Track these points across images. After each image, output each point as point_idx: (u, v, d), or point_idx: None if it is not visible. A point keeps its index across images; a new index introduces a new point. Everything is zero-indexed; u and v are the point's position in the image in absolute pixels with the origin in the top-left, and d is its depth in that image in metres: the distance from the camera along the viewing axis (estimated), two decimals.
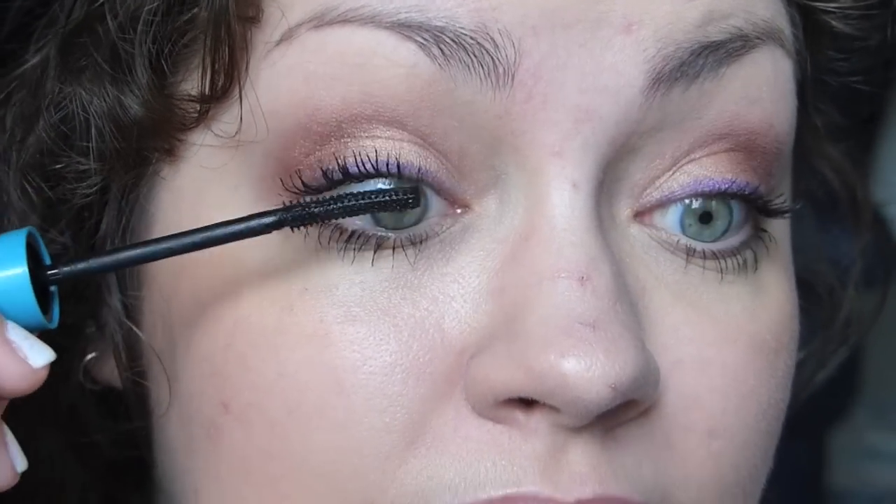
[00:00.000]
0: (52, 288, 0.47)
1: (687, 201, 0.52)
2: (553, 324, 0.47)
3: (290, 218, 0.47)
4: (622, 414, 0.49)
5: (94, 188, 0.54)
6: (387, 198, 0.47)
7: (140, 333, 0.54)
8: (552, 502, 0.47)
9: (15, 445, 0.45)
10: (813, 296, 0.68)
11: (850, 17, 0.56)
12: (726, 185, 0.52)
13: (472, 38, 0.48)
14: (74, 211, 0.55)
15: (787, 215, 0.55)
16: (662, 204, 0.52)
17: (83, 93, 0.53)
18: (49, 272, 0.47)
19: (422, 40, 0.48)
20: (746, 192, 0.52)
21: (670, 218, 0.52)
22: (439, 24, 0.48)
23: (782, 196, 0.55)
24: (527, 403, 0.48)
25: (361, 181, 0.49)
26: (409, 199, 0.47)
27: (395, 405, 0.48)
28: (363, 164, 0.48)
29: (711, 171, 0.52)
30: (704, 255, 0.52)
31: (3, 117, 0.56)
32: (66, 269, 0.47)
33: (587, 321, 0.47)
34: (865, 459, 1.63)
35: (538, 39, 0.48)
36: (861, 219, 0.69)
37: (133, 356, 0.55)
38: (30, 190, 0.55)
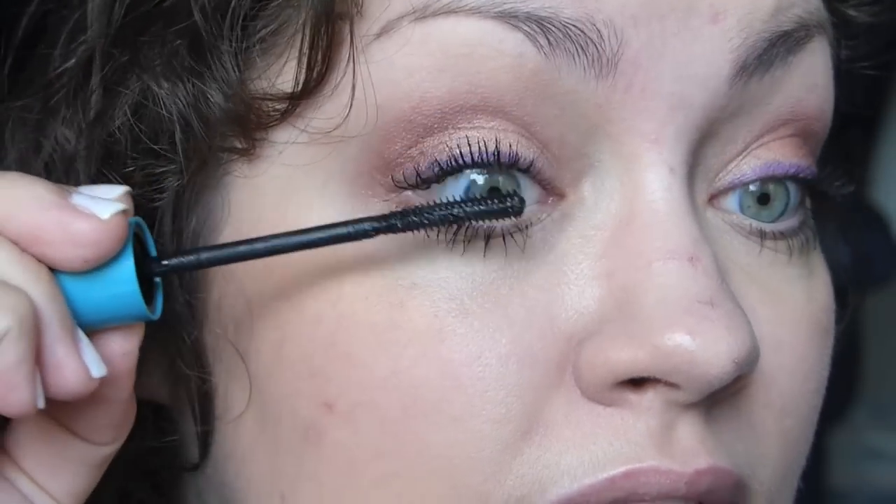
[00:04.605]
0: (157, 280, 0.47)
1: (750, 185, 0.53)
2: (672, 303, 0.48)
3: (399, 224, 0.48)
4: (728, 389, 0.50)
5: (170, 189, 0.52)
6: (493, 206, 0.48)
7: (217, 330, 0.53)
8: (672, 474, 0.48)
9: (90, 350, 0.44)
10: None
11: (863, 4, 0.58)
12: (794, 170, 0.54)
13: (577, 28, 0.48)
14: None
15: (841, 197, 0.57)
16: (734, 187, 0.53)
17: (156, 89, 0.51)
18: (154, 265, 0.47)
19: (529, 30, 0.48)
20: (809, 177, 0.54)
21: (730, 201, 0.54)
22: (545, 14, 0.48)
23: (835, 178, 0.57)
24: (636, 384, 0.49)
25: (459, 172, 0.49)
26: (512, 206, 0.48)
27: (511, 395, 0.49)
28: (461, 157, 0.49)
29: (779, 154, 0.53)
30: (775, 237, 0.54)
31: (41, 123, 0.55)
32: (169, 262, 0.47)
33: (704, 299, 0.48)
34: (865, 459, 1.63)
35: (637, 29, 0.49)
36: (860, 219, 0.70)
37: (202, 361, 0.53)
38: None
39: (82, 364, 0.43)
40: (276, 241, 0.48)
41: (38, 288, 0.43)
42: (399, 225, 0.48)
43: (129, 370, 0.46)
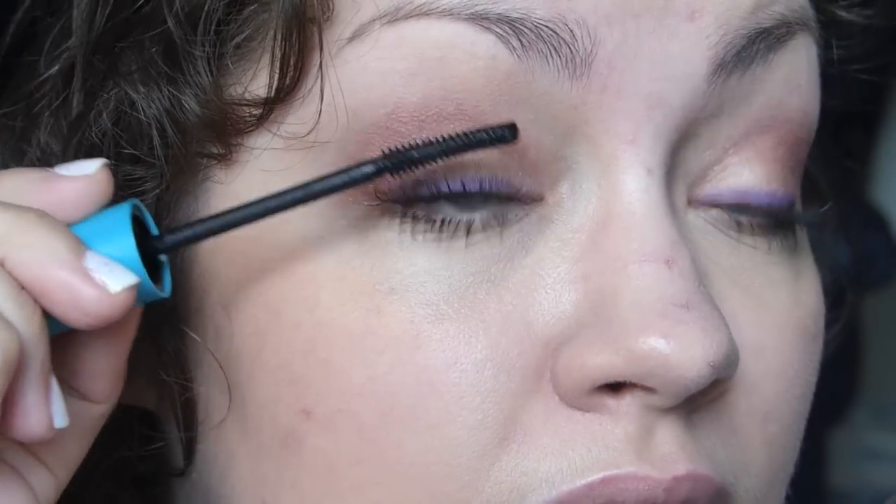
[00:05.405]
0: (163, 258, 0.47)
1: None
2: (647, 306, 0.48)
3: (390, 164, 0.47)
4: (707, 393, 0.49)
5: (150, 195, 0.52)
6: (484, 135, 0.48)
7: (196, 338, 0.53)
8: (650, 480, 0.48)
9: (59, 400, 0.44)
10: None
11: (853, 5, 0.58)
12: (769, 200, 0.53)
13: (549, 28, 0.48)
14: None
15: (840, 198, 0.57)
16: (711, 203, 0.53)
17: (134, 95, 0.51)
18: (156, 242, 0.47)
19: (501, 32, 0.48)
20: (784, 206, 0.54)
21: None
22: (517, 15, 0.48)
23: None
24: (614, 388, 0.49)
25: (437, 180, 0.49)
26: (505, 134, 0.48)
27: (487, 402, 0.48)
28: (441, 178, 0.48)
29: (759, 177, 0.53)
30: (752, 231, 0.53)
31: (25, 130, 0.55)
32: (172, 237, 0.47)
33: (679, 302, 0.48)
34: (865, 459, 1.63)
35: (611, 29, 0.49)
36: (860, 219, 0.70)
37: (183, 368, 0.53)
38: None
39: (47, 413, 0.43)
40: (277, 200, 0.47)
41: (29, 328, 0.43)
42: (398, 161, 0.47)
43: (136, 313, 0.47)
